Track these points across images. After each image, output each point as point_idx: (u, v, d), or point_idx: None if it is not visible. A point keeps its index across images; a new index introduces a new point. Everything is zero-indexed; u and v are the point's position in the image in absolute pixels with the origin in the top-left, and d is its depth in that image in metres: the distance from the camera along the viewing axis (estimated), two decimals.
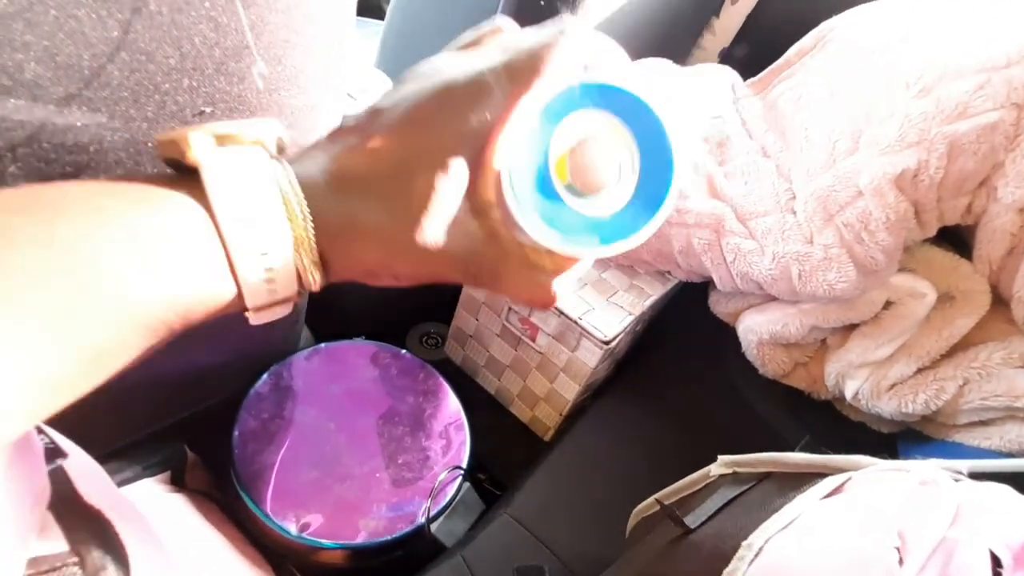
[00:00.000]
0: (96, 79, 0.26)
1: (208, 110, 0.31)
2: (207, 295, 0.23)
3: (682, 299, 0.79)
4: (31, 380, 0.18)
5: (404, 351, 0.69)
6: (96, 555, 0.25)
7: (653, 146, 0.27)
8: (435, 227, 0.25)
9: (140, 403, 0.52)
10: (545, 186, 0.27)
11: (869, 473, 0.32)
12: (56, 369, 0.19)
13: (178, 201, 0.22)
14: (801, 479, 0.38)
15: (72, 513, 0.26)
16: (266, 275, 0.23)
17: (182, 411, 0.57)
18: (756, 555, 0.29)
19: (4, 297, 0.18)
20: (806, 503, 0.32)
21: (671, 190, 0.28)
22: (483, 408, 0.80)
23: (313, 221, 0.24)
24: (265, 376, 0.61)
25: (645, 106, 0.27)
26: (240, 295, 0.23)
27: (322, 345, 0.66)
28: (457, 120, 0.25)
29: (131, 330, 0.21)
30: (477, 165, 0.26)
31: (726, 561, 0.31)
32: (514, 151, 0.27)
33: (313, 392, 0.62)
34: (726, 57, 0.97)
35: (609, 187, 0.27)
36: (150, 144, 0.30)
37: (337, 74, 0.40)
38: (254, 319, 0.26)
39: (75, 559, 0.24)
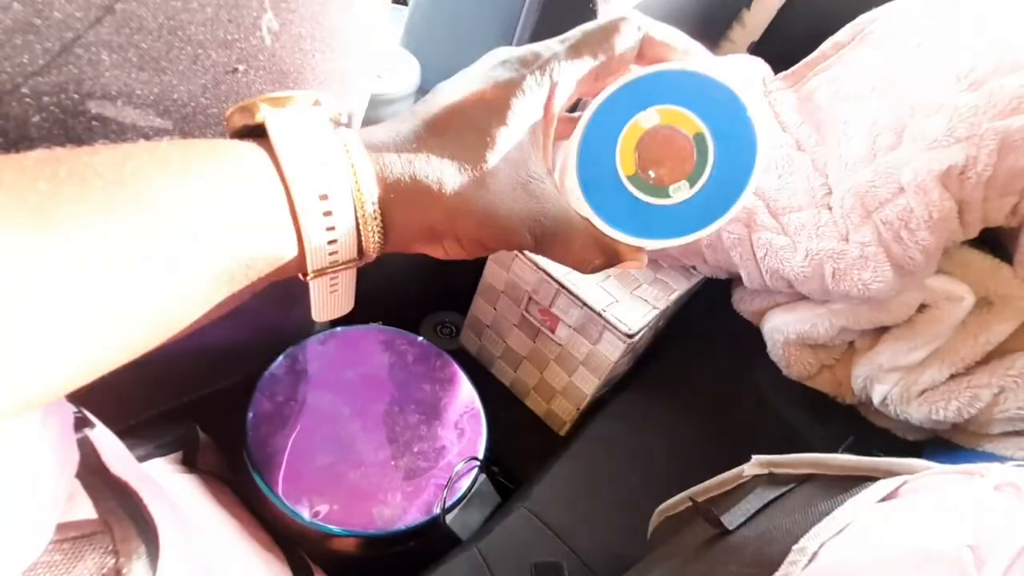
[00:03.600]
0: (128, 24, 0.24)
1: (241, 68, 0.30)
2: (269, 242, 0.22)
3: (704, 295, 0.77)
4: (93, 324, 0.18)
5: (420, 338, 0.67)
6: (124, 524, 0.24)
7: (732, 139, 0.26)
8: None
9: (153, 381, 0.50)
10: (612, 177, 0.27)
11: (929, 476, 0.30)
12: (118, 312, 0.18)
13: (243, 152, 0.22)
14: (847, 482, 0.36)
15: (99, 483, 0.25)
16: (327, 225, 0.23)
17: (195, 391, 0.55)
18: (810, 560, 0.27)
19: (72, 234, 0.17)
20: (860, 506, 0.30)
21: (746, 191, 0.27)
22: (497, 400, 0.78)
23: (377, 177, 0.24)
24: (280, 358, 0.60)
25: (730, 93, 0.26)
26: (302, 251, 0.23)
27: (338, 329, 0.65)
28: (518, 83, 0.25)
29: (193, 276, 0.20)
30: (540, 130, 0.26)
31: (774, 566, 0.29)
32: (585, 140, 0.27)
33: (328, 376, 0.60)
34: (755, 51, 0.95)
35: (679, 181, 0.27)
36: (178, 100, 0.28)
37: (372, 41, 0.38)
38: (315, 290, 0.25)
39: (104, 527, 0.24)
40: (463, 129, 0.25)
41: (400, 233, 0.25)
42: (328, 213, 0.23)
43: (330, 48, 0.34)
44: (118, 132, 0.28)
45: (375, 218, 0.24)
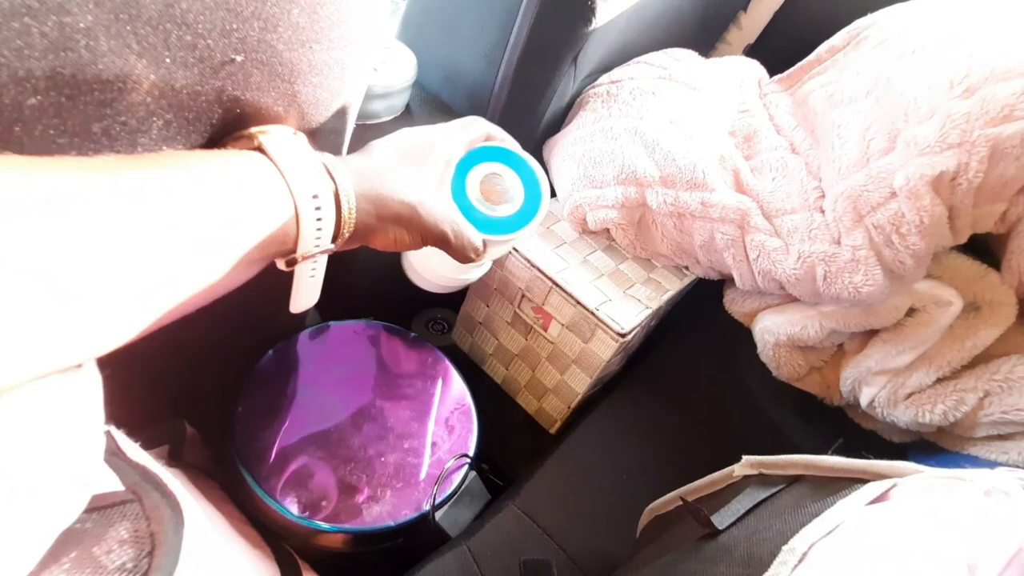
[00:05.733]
0: (126, 9, 0.24)
1: (239, 59, 0.29)
2: (275, 227, 0.30)
3: (696, 296, 0.78)
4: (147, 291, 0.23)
5: (412, 334, 0.67)
6: (152, 496, 0.27)
7: (530, 184, 0.47)
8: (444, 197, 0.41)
9: (141, 374, 0.50)
10: (466, 200, 0.44)
11: (918, 480, 0.31)
12: (170, 277, 0.24)
13: (254, 162, 0.30)
14: (836, 484, 0.36)
15: (121, 463, 0.28)
16: (316, 217, 0.31)
17: (183, 385, 0.55)
18: (800, 560, 0.28)
19: (122, 180, 0.23)
20: (850, 509, 0.30)
21: (540, 210, 0.47)
22: (488, 398, 0.78)
23: (356, 186, 0.34)
24: (270, 352, 0.59)
25: (524, 161, 0.47)
26: (295, 240, 0.31)
27: (329, 323, 0.64)
28: (443, 140, 0.42)
29: (217, 248, 0.26)
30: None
31: (763, 566, 0.29)
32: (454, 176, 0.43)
33: (318, 371, 0.60)
34: (751, 54, 0.96)
35: (503, 204, 0.46)
36: (176, 87, 0.28)
37: (369, 34, 0.38)
38: (300, 274, 0.35)
39: (134, 497, 0.26)
40: (415, 162, 0.39)
41: (366, 225, 0.35)
42: (318, 208, 0.31)
43: (327, 39, 0.33)
44: (112, 116, 0.28)
45: (350, 214, 0.34)
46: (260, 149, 0.30)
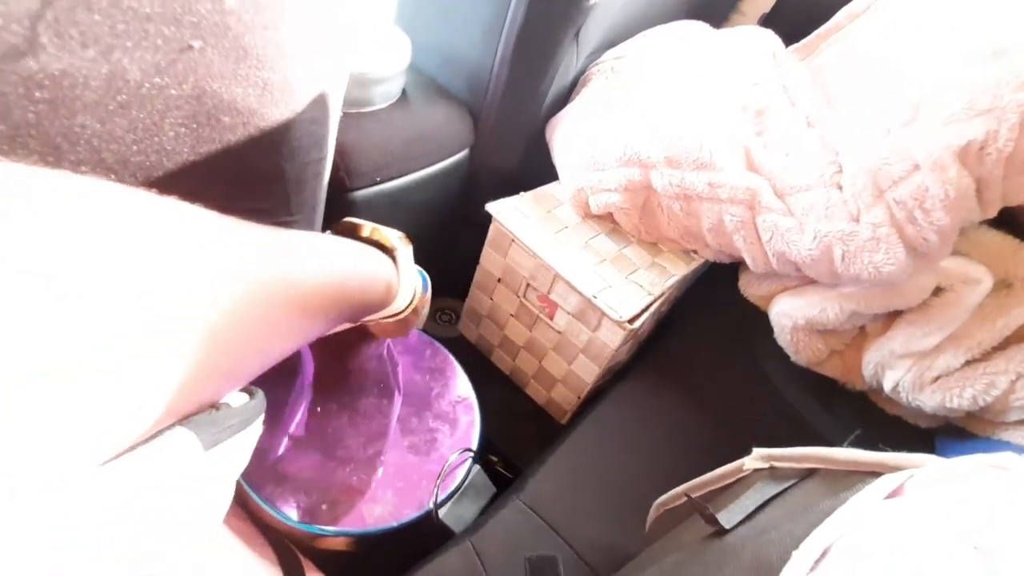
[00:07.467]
0: None
1: (196, 44, 0.28)
2: (381, 300, 0.42)
3: (710, 278, 0.75)
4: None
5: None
6: None
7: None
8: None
9: None
10: None
11: (933, 472, 0.28)
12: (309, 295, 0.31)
13: (381, 255, 0.42)
14: (851, 478, 0.34)
15: None
16: (405, 294, 0.46)
17: None
18: (811, 568, 0.26)
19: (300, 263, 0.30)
20: (863, 507, 0.28)
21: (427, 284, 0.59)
22: (498, 389, 0.76)
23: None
24: None
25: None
26: (386, 303, 0.43)
27: None
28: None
29: (342, 307, 0.35)
30: None
31: (773, 572, 0.27)
32: None
33: (315, 368, 0.59)
34: (766, 23, 0.91)
35: None
36: (131, 81, 0.27)
37: (346, 16, 0.36)
38: (382, 323, 0.49)
39: None
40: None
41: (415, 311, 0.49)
42: (411, 289, 0.46)
43: (293, 21, 0.32)
44: (68, 115, 0.27)
45: (417, 299, 0.48)
46: (388, 251, 0.43)
